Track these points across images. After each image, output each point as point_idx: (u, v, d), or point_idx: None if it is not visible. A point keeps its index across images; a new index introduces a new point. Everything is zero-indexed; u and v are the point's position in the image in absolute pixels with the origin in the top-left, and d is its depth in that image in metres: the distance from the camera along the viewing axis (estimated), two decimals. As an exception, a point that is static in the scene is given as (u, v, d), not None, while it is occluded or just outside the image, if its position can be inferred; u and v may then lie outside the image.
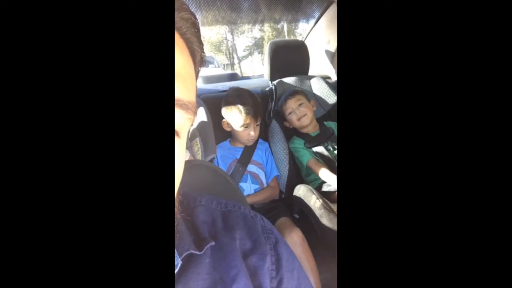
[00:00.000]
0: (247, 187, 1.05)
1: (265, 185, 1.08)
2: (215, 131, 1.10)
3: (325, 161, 1.04)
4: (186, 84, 0.21)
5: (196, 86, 0.25)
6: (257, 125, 1.07)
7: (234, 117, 1.05)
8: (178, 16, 0.21)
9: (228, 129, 1.10)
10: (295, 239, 0.82)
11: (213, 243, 0.28)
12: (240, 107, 1.03)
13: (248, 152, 1.09)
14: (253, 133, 1.05)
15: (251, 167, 1.07)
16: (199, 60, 0.25)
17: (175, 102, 0.20)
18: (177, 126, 0.21)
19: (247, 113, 1.02)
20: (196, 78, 0.25)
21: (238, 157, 1.07)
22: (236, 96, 1.05)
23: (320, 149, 1.07)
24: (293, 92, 1.13)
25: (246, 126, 1.05)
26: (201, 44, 0.24)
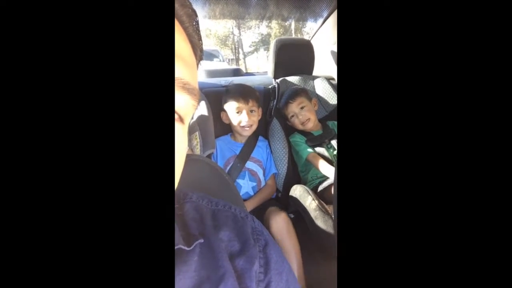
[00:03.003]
0: (245, 184, 1.05)
1: (262, 182, 1.08)
2: (216, 126, 1.10)
3: (325, 160, 1.04)
4: (192, 71, 0.23)
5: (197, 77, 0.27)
6: (251, 111, 1.06)
7: (229, 103, 1.06)
8: (182, 11, 0.22)
9: (226, 121, 1.10)
10: (280, 224, 0.84)
11: (201, 240, 0.27)
12: (233, 90, 1.06)
13: (248, 148, 1.08)
14: (245, 119, 1.04)
15: (250, 164, 1.07)
16: (199, 55, 0.26)
17: (183, 86, 0.21)
18: (182, 112, 0.22)
19: (240, 96, 1.03)
20: (197, 70, 0.27)
21: (238, 152, 1.07)
22: (235, 88, 1.07)
23: (320, 149, 1.07)
24: (294, 94, 1.12)
25: (238, 111, 1.05)
26: (200, 40, 0.25)
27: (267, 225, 0.88)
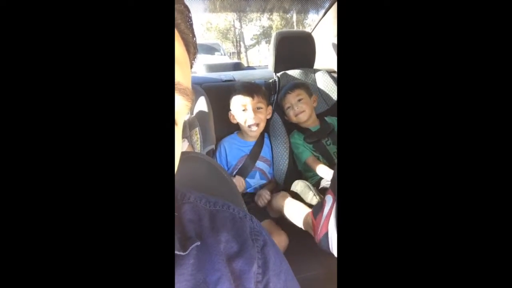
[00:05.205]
0: (255, 183, 1.04)
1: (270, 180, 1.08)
2: (221, 124, 1.09)
3: (324, 157, 1.03)
4: (184, 70, 0.22)
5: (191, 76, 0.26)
6: (257, 108, 1.02)
7: (235, 100, 1.04)
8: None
9: (234, 121, 1.07)
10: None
11: (198, 243, 0.27)
12: (239, 88, 1.04)
13: (258, 148, 1.06)
14: (251, 115, 1.00)
15: (260, 164, 1.05)
16: (192, 52, 0.25)
17: (175, 86, 0.21)
18: (175, 114, 0.21)
19: (245, 92, 1.01)
20: (191, 69, 0.26)
21: (248, 152, 1.05)
22: (240, 85, 1.05)
23: (319, 144, 1.05)
24: (294, 86, 1.10)
25: (244, 108, 1.02)
26: (194, 37, 0.24)
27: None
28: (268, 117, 1.08)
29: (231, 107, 1.06)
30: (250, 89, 1.02)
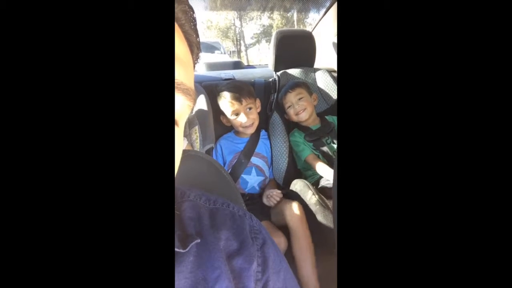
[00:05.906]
0: (251, 180, 1.04)
1: (268, 179, 1.08)
2: (219, 124, 1.09)
3: (324, 156, 1.03)
4: (187, 70, 0.22)
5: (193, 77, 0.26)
6: (248, 110, 1.03)
7: (224, 106, 1.04)
8: (177, 8, 0.21)
9: (228, 123, 1.09)
10: (294, 211, 0.84)
11: (198, 240, 0.27)
12: (224, 93, 1.03)
13: (252, 144, 1.07)
14: (244, 120, 1.02)
15: (256, 160, 1.06)
16: (196, 53, 0.25)
17: (177, 86, 0.20)
18: (176, 114, 0.21)
19: (232, 99, 1.01)
20: (193, 69, 0.26)
21: (242, 148, 1.06)
22: (225, 86, 1.05)
23: (320, 143, 1.05)
24: (294, 85, 1.10)
25: (236, 113, 1.03)
26: (197, 37, 0.24)
27: (280, 211, 0.89)
28: (258, 110, 1.09)
29: (222, 110, 1.06)
30: (237, 95, 1.02)
